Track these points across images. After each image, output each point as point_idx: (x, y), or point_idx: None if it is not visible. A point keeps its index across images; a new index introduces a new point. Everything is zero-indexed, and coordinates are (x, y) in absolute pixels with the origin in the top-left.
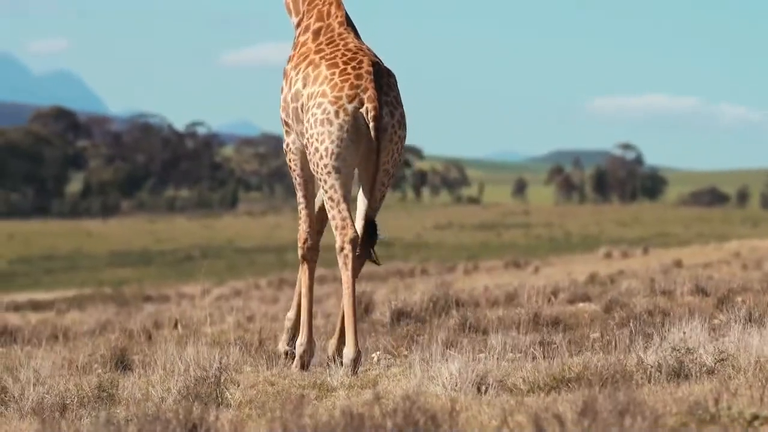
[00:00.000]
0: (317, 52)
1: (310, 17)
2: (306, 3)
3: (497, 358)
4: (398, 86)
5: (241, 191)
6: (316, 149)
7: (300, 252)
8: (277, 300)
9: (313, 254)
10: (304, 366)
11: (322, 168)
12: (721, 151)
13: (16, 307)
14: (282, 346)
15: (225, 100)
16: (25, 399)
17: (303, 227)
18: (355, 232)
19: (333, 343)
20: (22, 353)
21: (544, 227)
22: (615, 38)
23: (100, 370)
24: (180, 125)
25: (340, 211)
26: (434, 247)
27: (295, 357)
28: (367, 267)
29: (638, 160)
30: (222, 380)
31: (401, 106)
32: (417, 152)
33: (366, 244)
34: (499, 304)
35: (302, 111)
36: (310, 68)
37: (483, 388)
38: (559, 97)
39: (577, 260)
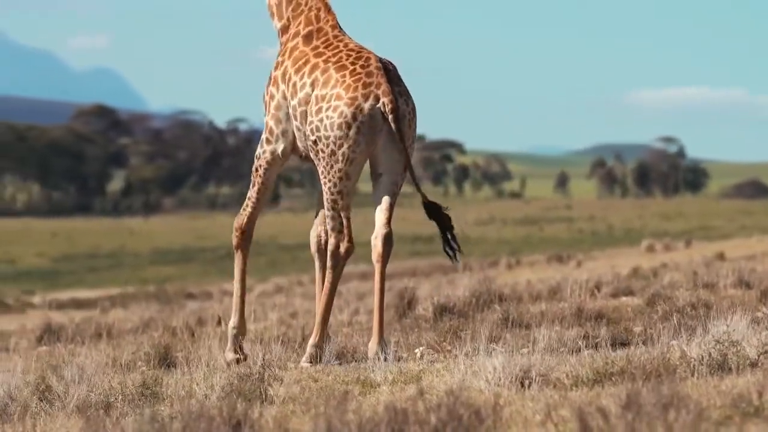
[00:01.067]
0: (317, 55)
1: (298, 24)
2: (291, 9)
3: (540, 353)
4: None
5: (282, 187)
6: (333, 152)
7: (236, 241)
8: None
9: (248, 243)
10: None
11: (336, 172)
12: (764, 143)
13: (60, 306)
14: (229, 355)
15: None
16: (69, 397)
17: (243, 219)
18: (352, 245)
19: (373, 344)
20: (66, 351)
21: (586, 221)
22: (656, 30)
23: (143, 368)
24: (221, 122)
25: (342, 218)
26: (476, 242)
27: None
28: (410, 262)
29: (680, 153)
30: (265, 377)
31: (411, 95)
32: (458, 147)
33: (442, 231)
34: (541, 298)
35: (310, 113)
36: (317, 72)
37: (526, 382)
38: (601, 90)
39: (619, 254)
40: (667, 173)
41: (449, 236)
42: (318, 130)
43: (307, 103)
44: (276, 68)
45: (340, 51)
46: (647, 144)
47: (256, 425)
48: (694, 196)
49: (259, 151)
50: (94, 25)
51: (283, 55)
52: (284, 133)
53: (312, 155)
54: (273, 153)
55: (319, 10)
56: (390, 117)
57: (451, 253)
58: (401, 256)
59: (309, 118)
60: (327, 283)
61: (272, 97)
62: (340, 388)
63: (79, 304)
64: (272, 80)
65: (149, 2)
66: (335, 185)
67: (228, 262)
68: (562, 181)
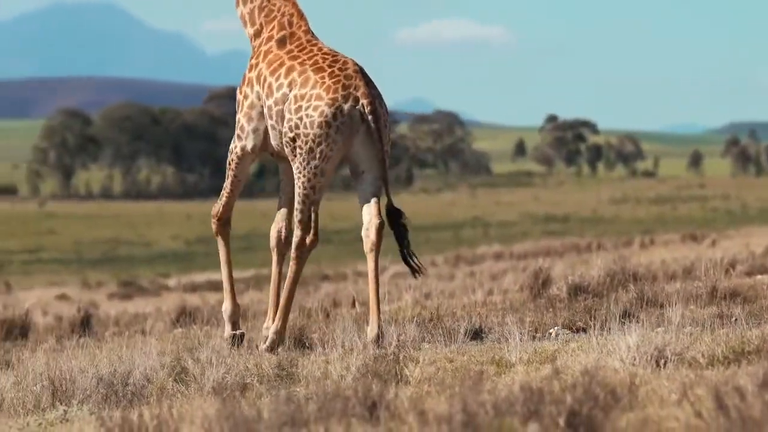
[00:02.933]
0: (292, 58)
1: (271, 29)
2: (263, 15)
3: (675, 332)
4: None
5: (415, 168)
6: (311, 149)
7: (214, 227)
8: (454, 277)
9: (227, 229)
10: (272, 349)
11: (312, 168)
12: None
13: (195, 288)
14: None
15: (400, 78)
16: (205, 379)
17: (219, 208)
18: (317, 238)
19: (371, 331)
20: (201, 333)
21: (720, 200)
22: None
23: (279, 349)
24: None
25: (312, 212)
26: (610, 222)
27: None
28: (543, 242)
29: None
30: (400, 357)
31: (383, 98)
32: (591, 126)
33: (400, 238)
34: (676, 277)
35: (288, 111)
36: (294, 73)
37: (661, 362)
38: (736, 68)
39: (754, 232)
40: None
41: (405, 248)
42: (297, 127)
43: (284, 102)
44: (250, 70)
45: (315, 54)
46: None
47: (392, 406)
48: None
49: (231, 146)
50: (226, 9)
51: (257, 57)
52: (255, 130)
53: (288, 151)
54: (243, 149)
55: (291, 15)
56: (370, 118)
57: (414, 265)
58: (534, 235)
59: (287, 116)
60: (291, 273)
61: (246, 96)
62: (475, 368)
63: (213, 286)
64: (246, 81)
65: None
66: (309, 180)
67: (361, 244)
68: (696, 160)
